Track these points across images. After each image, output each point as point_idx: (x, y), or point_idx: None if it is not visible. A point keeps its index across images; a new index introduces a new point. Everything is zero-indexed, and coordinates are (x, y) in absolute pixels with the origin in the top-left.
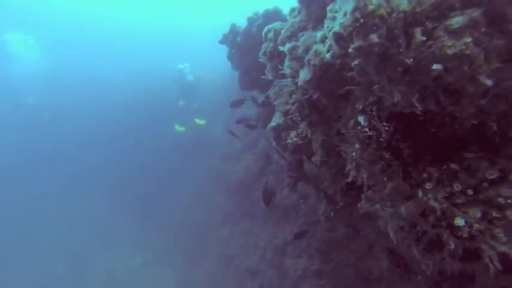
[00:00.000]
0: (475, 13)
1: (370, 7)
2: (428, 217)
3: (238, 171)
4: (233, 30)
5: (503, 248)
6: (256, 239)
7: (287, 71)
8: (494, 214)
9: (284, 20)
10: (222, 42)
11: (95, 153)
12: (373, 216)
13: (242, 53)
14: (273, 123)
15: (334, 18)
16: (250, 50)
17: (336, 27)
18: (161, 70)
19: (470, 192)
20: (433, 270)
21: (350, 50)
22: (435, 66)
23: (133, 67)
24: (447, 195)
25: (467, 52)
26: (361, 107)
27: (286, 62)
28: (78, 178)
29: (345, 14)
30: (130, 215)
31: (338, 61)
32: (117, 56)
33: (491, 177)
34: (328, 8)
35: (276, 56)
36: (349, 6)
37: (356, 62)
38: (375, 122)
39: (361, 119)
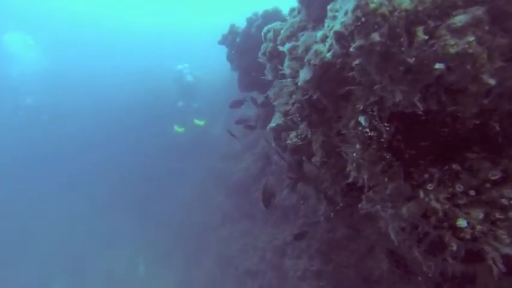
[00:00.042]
0: (479, 11)
1: (372, 6)
2: (429, 218)
3: (237, 172)
4: (232, 31)
5: (507, 250)
6: (256, 239)
7: (287, 71)
8: (497, 215)
9: (283, 20)
10: (221, 42)
11: (94, 153)
12: (374, 217)
13: (241, 53)
14: (272, 124)
15: (334, 18)
16: (249, 50)
17: (337, 26)
18: (161, 70)
19: (472, 193)
20: (434, 271)
21: (351, 49)
22: (437, 66)
23: (133, 67)
24: (449, 196)
25: (470, 51)
26: (361, 107)
27: (286, 62)
28: (78, 178)
29: (346, 13)
30: (130, 215)
31: (339, 60)
32: (117, 56)
33: (493, 177)
34: (328, 7)
35: (276, 56)
36: (350, 5)
37: (357, 61)
38: (375, 122)
39: (361, 119)
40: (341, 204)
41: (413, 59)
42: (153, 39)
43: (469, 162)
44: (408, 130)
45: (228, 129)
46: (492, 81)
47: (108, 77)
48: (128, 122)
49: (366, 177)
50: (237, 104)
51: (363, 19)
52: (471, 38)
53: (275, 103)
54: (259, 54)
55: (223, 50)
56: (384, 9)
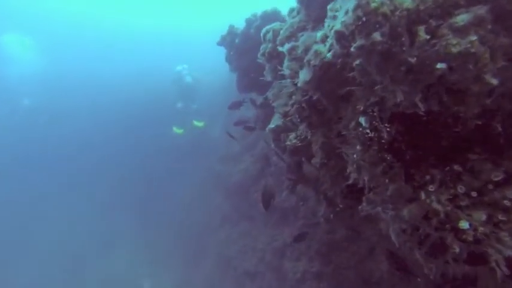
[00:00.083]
0: (481, 10)
1: (373, 5)
2: (431, 220)
3: (236, 173)
4: (231, 32)
5: (510, 252)
6: (255, 241)
7: (286, 71)
8: (500, 217)
9: (282, 21)
10: (220, 43)
11: (94, 154)
12: (375, 218)
13: (240, 54)
14: (272, 125)
15: (335, 17)
16: (248, 51)
17: (338, 26)
18: (160, 71)
19: (474, 194)
20: (436, 273)
21: (352, 49)
22: (439, 65)
23: (132, 68)
24: (451, 197)
25: (473, 50)
26: (362, 108)
27: (286, 63)
28: (77, 178)
29: (346, 12)
30: (130, 215)
31: (339, 61)
32: (116, 57)
33: (496, 179)
34: (328, 7)
35: (275, 57)
36: (350, 4)
37: (357, 61)
38: (376, 123)
39: (362, 120)
40: (341, 206)
41: (415, 58)
42: (152, 40)
43: (471, 163)
44: (409, 131)
45: (227, 130)
46: (495, 81)
47: (107, 78)
48: (127, 123)
49: (366, 178)
50: (236, 105)
51: (364, 18)
52: (474, 38)
53: (274, 104)
54: (259, 55)
55: (222, 51)
56: (385, 9)
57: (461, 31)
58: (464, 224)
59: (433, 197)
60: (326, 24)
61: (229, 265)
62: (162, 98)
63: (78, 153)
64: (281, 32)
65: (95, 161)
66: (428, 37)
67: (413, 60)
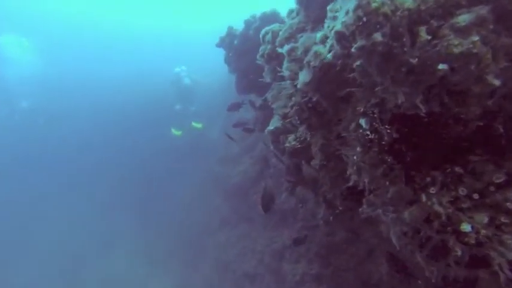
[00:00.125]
0: (483, 10)
1: (374, 5)
2: (432, 222)
3: (235, 175)
4: (230, 33)
5: None
6: (254, 243)
7: (286, 73)
8: (503, 219)
9: (282, 22)
10: (219, 45)
11: (92, 155)
12: (374, 220)
13: (239, 55)
14: (271, 127)
15: (335, 18)
16: (247, 52)
17: (338, 26)
18: (158, 73)
19: (476, 196)
20: (437, 276)
21: (353, 49)
22: (441, 66)
23: (131, 70)
24: (452, 199)
25: (475, 51)
26: (362, 109)
27: (285, 64)
28: (77, 179)
29: (347, 13)
30: (130, 215)
31: (339, 62)
32: (114, 59)
33: (497, 180)
34: (328, 8)
35: (274, 58)
36: (351, 5)
37: (358, 62)
38: (376, 125)
39: (362, 121)
40: (340, 208)
41: (416, 59)
42: (151, 41)
43: (472, 165)
44: (410, 132)
45: (226, 132)
46: (497, 82)
47: (106, 79)
48: (125, 124)
49: (366, 180)
50: (235, 106)
51: (365, 19)
52: (476, 38)
53: (273, 106)
54: (258, 56)
55: (221, 53)
56: (386, 9)
57: (463, 31)
58: (466, 227)
59: (434, 199)
60: (326, 25)
61: (228, 267)
62: (161, 100)
63: (78, 153)
64: (280, 33)
65: (94, 162)
66: (429, 37)
67: (414, 61)
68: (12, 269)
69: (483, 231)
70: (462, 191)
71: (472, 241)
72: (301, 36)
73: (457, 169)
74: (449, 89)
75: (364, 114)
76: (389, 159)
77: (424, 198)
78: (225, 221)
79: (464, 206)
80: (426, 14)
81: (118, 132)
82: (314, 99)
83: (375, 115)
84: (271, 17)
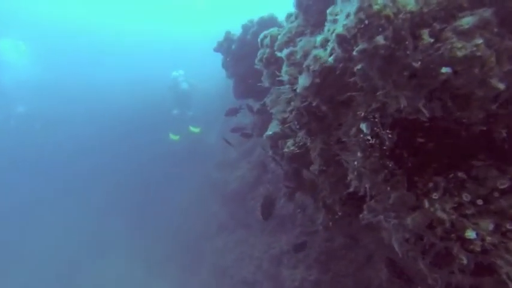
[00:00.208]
0: (486, 13)
1: (375, 7)
2: (436, 229)
3: (233, 180)
4: (228, 38)
5: None
6: (252, 248)
7: (285, 77)
8: (508, 226)
9: (279, 26)
10: (216, 50)
11: (89, 160)
12: (375, 227)
13: (237, 60)
14: (269, 132)
15: (335, 21)
16: (245, 57)
17: (339, 29)
18: (156, 78)
19: (480, 202)
20: (441, 285)
21: (354, 52)
22: (444, 70)
23: (128, 75)
24: (455, 205)
25: (479, 54)
26: (363, 114)
27: (284, 68)
28: (73, 184)
29: (348, 16)
30: (126, 220)
31: (340, 65)
32: (111, 64)
33: (502, 186)
34: (328, 11)
35: (273, 63)
36: (352, 7)
37: (359, 66)
38: (377, 130)
39: (363, 126)
40: (340, 213)
41: (419, 63)
42: (149, 46)
43: (475, 170)
44: (411, 137)
45: (223, 136)
46: (501, 86)
47: (103, 84)
48: (122, 129)
49: (367, 186)
50: (232, 112)
51: (366, 21)
52: (479, 41)
53: (272, 110)
54: (256, 61)
55: (219, 57)
56: (388, 11)
57: (466, 34)
58: (470, 234)
59: (437, 205)
60: (326, 28)
61: (226, 272)
62: (159, 104)
63: (75, 158)
64: (279, 37)
65: (91, 167)
66: (432, 40)
67: (417, 64)
68: (7, 274)
69: (489, 238)
70: (466, 197)
71: (478, 248)
72: (301, 40)
73: (460, 174)
74: (452, 93)
75: (365, 119)
76: (390, 164)
77: (426, 204)
78: (223, 226)
79: (468, 212)
80: (429, 17)
81: (115, 137)
82: (314, 103)
83: (376, 120)
84: (268, 22)
